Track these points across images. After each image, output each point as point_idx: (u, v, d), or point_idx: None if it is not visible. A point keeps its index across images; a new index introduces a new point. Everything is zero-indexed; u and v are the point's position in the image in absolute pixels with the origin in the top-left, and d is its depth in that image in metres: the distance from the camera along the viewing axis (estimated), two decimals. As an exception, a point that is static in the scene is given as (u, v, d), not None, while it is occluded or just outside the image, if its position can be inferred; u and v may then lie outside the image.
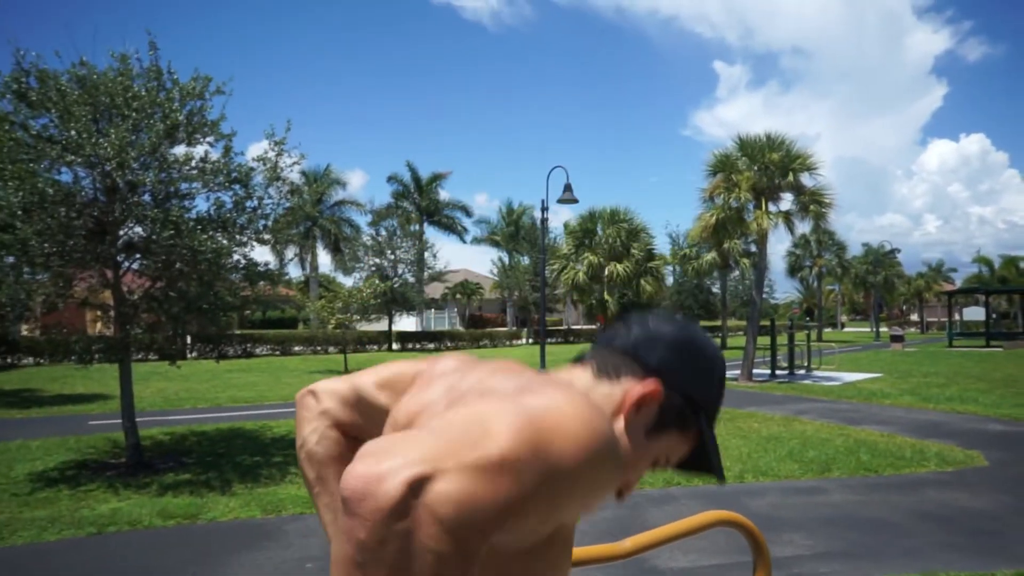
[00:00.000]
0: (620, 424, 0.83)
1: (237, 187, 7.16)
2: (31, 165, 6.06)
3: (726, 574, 4.34)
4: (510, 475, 0.59)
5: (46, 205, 6.06)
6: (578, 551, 1.21)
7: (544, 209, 18.14)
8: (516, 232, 44.40)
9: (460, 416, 0.66)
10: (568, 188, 17.16)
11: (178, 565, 4.62)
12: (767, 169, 16.77)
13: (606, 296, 24.82)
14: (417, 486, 0.54)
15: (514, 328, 43.46)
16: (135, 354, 7.93)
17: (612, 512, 5.73)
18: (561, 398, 0.68)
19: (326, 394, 0.97)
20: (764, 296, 19.94)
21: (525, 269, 43.35)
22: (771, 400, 13.45)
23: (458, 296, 45.89)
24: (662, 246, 44.56)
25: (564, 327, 46.04)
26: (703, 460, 0.91)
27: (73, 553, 4.93)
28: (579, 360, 0.91)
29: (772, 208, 17.22)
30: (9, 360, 21.79)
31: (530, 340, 40.29)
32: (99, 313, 7.69)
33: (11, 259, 6.35)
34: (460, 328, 42.99)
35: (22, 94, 6.16)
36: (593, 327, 37.87)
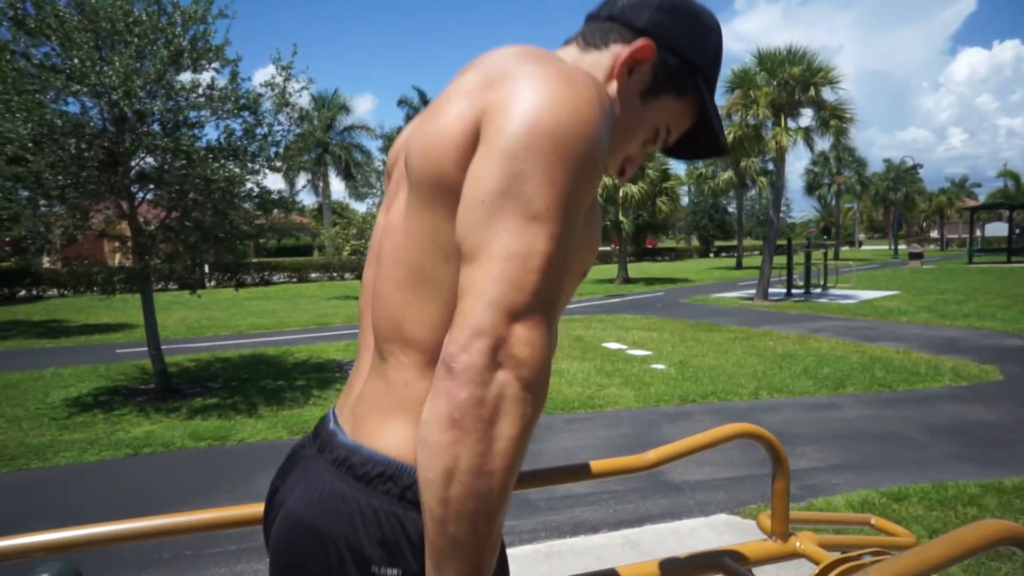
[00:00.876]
0: (613, 88, 0.81)
1: (246, 114, 7.04)
2: (37, 96, 5.98)
3: (740, 486, 4.47)
4: (556, 229, 0.61)
5: (56, 136, 6.01)
6: (603, 463, 1.24)
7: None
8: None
9: (497, 246, 0.61)
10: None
11: (211, 483, 4.84)
12: (787, 84, 16.21)
13: (621, 218, 24.66)
14: (497, 349, 0.58)
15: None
16: (155, 284, 8.04)
17: (630, 429, 5.87)
18: (547, 86, 0.64)
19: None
20: (781, 215, 19.62)
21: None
22: (787, 319, 13.50)
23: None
24: (677, 166, 43.77)
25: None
26: (705, 133, 0.88)
27: (112, 472, 5.17)
28: (567, 42, 0.88)
29: (791, 124, 16.75)
30: (35, 292, 22.27)
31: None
32: (117, 244, 7.76)
33: (27, 192, 6.36)
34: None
35: (19, 21, 6.01)
36: (608, 248, 37.73)
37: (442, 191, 0.68)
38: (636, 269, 33.88)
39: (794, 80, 16.08)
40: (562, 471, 1.26)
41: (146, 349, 7.82)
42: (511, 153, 0.61)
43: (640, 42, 0.80)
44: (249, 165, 7.16)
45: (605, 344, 10.46)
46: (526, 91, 0.63)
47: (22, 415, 6.82)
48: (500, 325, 0.58)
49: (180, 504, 4.40)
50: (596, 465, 1.21)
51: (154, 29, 6.20)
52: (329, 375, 8.57)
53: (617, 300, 18.78)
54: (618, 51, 0.81)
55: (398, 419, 0.72)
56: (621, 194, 23.87)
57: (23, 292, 22.02)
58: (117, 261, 10.57)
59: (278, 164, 7.55)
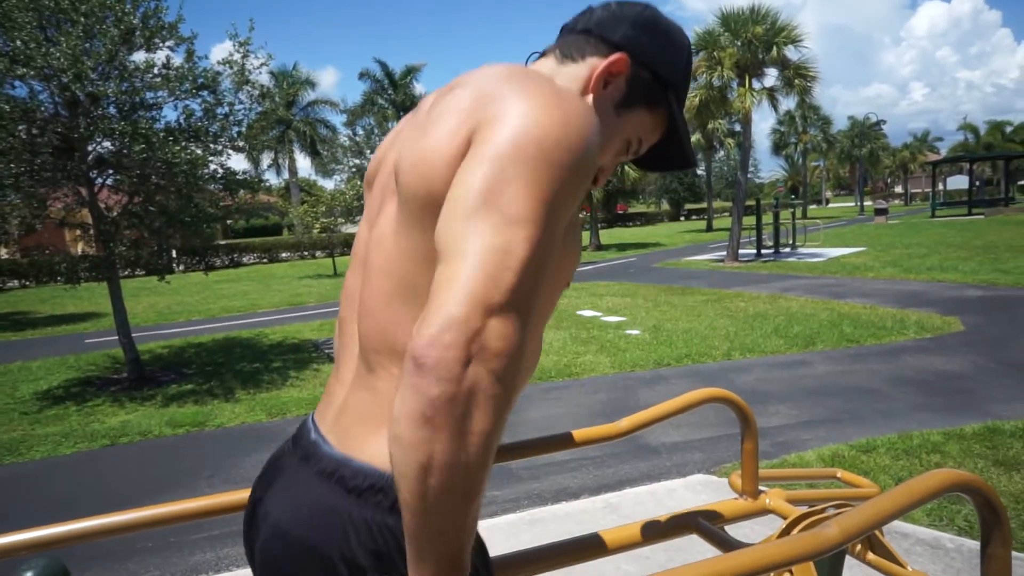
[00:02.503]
0: (588, 100, 0.84)
1: (205, 93, 6.87)
2: (-20, 81, 5.76)
3: (715, 446, 4.59)
4: (544, 223, 0.62)
5: (4, 123, 5.81)
6: (577, 432, 1.27)
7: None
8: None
9: (476, 238, 0.62)
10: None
11: (194, 469, 4.82)
12: (751, 44, 16.24)
13: (591, 185, 24.65)
14: (473, 335, 0.57)
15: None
16: (122, 271, 7.88)
17: (607, 395, 5.96)
18: (535, 102, 0.66)
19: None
20: (749, 176, 19.84)
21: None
22: (757, 279, 13.72)
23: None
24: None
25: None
26: (674, 145, 0.92)
27: (89, 464, 5.12)
28: (542, 54, 0.91)
29: (756, 85, 16.82)
30: (-5, 284, 21.68)
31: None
32: (79, 232, 7.57)
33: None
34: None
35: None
36: (579, 214, 37.74)
37: (432, 206, 0.69)
38: (608, 235, 34.04)
39: (757, 40, 16.12)
40: (539, 442, 1.29)
41: (116, 338, 7.70)
42: (496, 158, 0.63)
43: (615, 56, 0.83)
44: (211, 146, 7.00)
45: (580, 312, 10.54)
46: (516, 106, 0.66)
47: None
48: (473, 318, 0.58)
49: (162, 492, 4.39)
50: (571, 435, 1.24)
51: (102, 7, 5.98)
52: (305, 355, 8.54)
53: (590, 267, 18.89)
54: (594, 63, 0.83)
55: (387, 431, 0.74)
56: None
57: (-18, 285, 21.43)
58: (80, 249, 10.34)
59: (241, 144, 7.39)
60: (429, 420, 0.57)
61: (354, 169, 31.17)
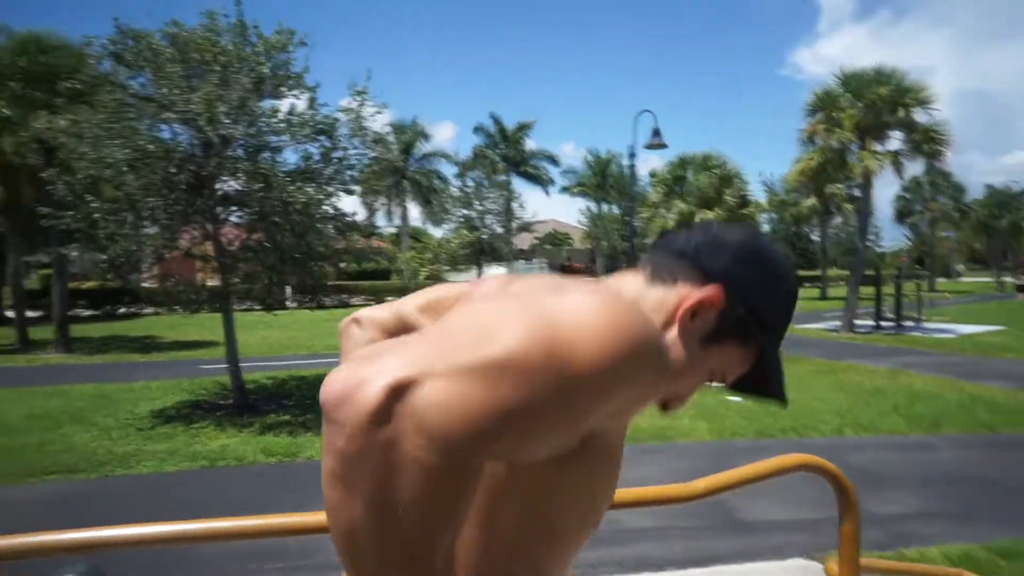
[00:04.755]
0: (673, 331, 0.77)
1: (323, 138, 7.29)
2: (133, 123, 6.38)
3: (824, 528, 4.15)
4: (514, 379, 0.51)
5: (149, 161, 6.38)
6: (648, 490, 1.12)
7: (631, 155, 17.58)
8: (603, 181, 43.58)
9: (465, 317, 0.58)
10: (656, 133, 16.48)
11: (281, 496, 4.90)
12: (873, 105, 15.50)
13: (697, 245, 24.11)
14: (401, 389, 0.47)
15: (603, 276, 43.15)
16: (239, 303, 8.37)
17: (704, 462, 5.60)
18: (590, 299, 0.60)
19: (369, 321, 0.94)
20: (869, 243, 18.69)
21: (614, 218, 42.59)
22: (875, 352, 12.72)
23: (547, 246, 45.91)
24: (757, 192, 42.45)
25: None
26: (763, 380, 0.83)
27: (189, 483, 5.33)
28: (633, 265, 0.85)
29: (878, 148, 15.97)
30: (133, 309, 23.74)
31: (622, 290, 39.87)
32: (202, 264, 8.13)
33: (127, 214, 6.77)
34: (548, 278, 43.01)
35: (119, 56, 6.46)
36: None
37: None
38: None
39: (881, 101, 15.37)
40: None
41: (227, 366, 8.11)
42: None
43: (710, 289, 0.76)
44: (325, 188, 7.38)
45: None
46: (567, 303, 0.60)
47: (112, 424, 7.17)
48: (412, 372, 0.49)
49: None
50: (637, 493, 1.09)
51: (238, 59, 6.53)
52: (398, 396, 8.63)
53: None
54: (686, 292, 0.77)
55: None
56: (697, 220, 23.36)
57: (123, 309, 23.51)
58: (204, 280, 11.10)
59: (353, 187, 7.75)
60: (341, 478, 0.49)
61: (461, 219, 32.13)
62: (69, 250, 8.30)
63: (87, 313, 22.90)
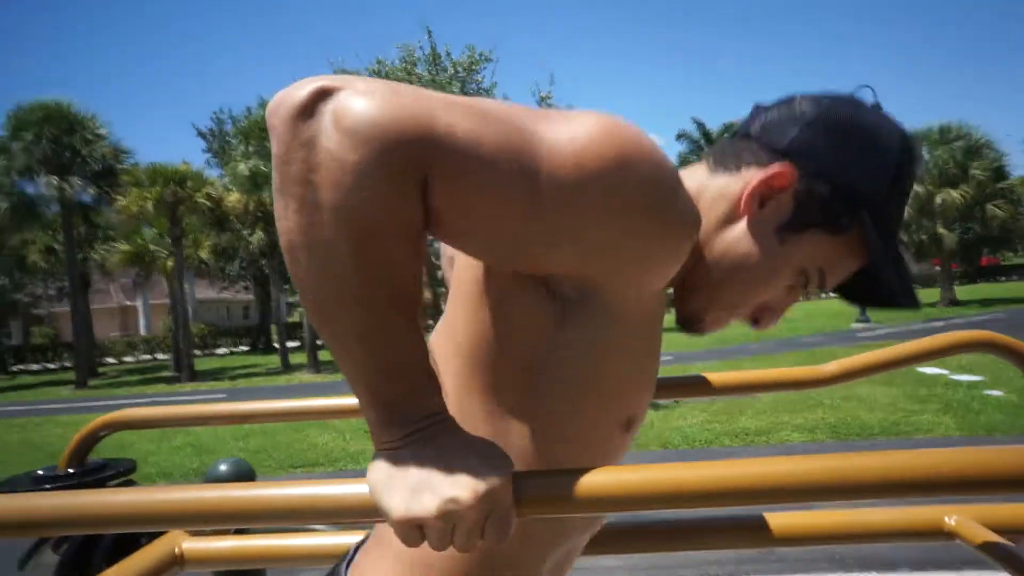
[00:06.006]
0: (741, 225, 0.65)
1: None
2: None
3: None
4: (471, 116, 0.48)
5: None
6: (765, 373, 0.99)
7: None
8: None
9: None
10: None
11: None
12: None
13: (939, 230, 20.95)
14: (329, 91, 0.46)
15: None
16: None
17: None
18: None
19: None
20: None
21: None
22: None
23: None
24: (1017, 163, 36.04)
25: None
26: (875, 281, 0.67)
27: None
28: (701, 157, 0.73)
29: None
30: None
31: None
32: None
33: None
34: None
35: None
36: (929, 272, 32.42)
37: None
38: (968, 291, 28.44)
39: None
40: (696, 381, 1.01)
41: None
42: None
43: (775, 167, 0.64)
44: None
45: (920, 369, 8.87)
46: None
47: (346, 428, 8.03)
48: (345, 82, 0.47)
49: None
50: (761, 375, 0.95)
51: (432, 83, 7.09)
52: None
53: (939, 323, 15.92)
54: (750, 176, 0.65)
55: None
56: (938, 202, 20.40)
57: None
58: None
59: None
60: (278, 188, 0.48)
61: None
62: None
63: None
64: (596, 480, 0.50)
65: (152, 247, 18.28)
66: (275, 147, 0.47)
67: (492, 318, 0.61)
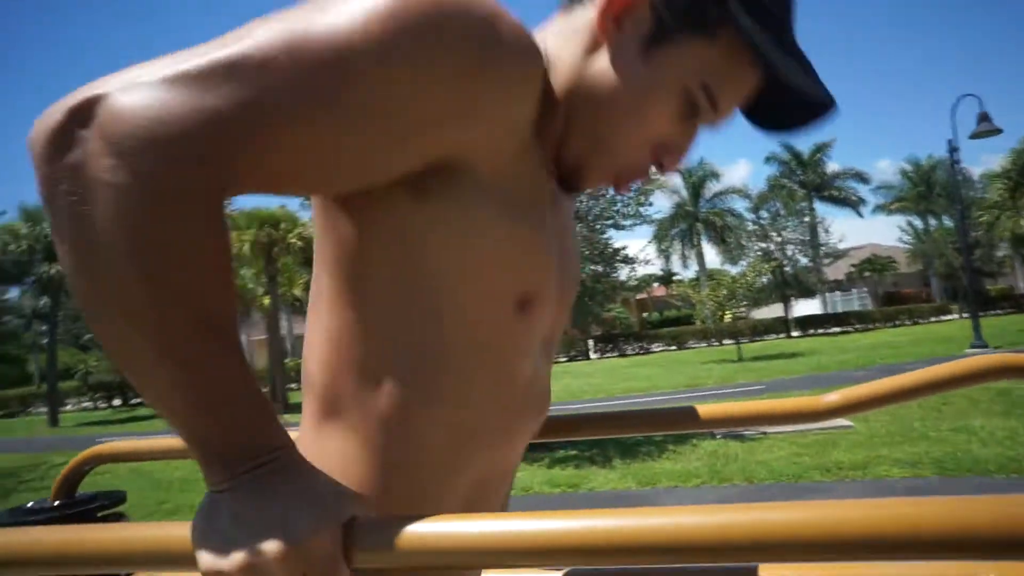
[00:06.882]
0: (604, 57, 0.58)
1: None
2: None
3: None
4: (241, 76, 0.42)
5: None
6: (755, 404, 0.87)
7: (953, 150, 14.86)
8: (928, 191, 37.60)
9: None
10: (985, 118, 13.75)
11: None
12: None
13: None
14: (86, 107, 0.41)
15: (941, 301, 36.56)
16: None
17: None
18: None
19: None
20: None
21: (946, 231, 36.17)
22: None
23: (866, 274, 40.89)
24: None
25: (1016, 293, 36.69)
26: (774, 82, 0.57)
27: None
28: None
29: None
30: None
31: (965, 314, 33.34)
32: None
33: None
34: (871, 308, 37.97)
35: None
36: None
37: None
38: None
39: None
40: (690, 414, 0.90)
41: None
42: None
43: None
44: (592, 224, 7.69)
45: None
46: None
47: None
48: (107, 89, 0.42)
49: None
50: (751, 406, 0.84)
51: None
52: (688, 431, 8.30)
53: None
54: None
55: None
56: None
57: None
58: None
59: (623, 223, 7.96)
60: (52, 232, 0.44)
61: (759, 252, 30.36)
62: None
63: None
64: (439, 530, 0.43)
65: (250, 285, 19.39)
66: (38, 185, 0.42)
67: (356, 238, 0.56)
